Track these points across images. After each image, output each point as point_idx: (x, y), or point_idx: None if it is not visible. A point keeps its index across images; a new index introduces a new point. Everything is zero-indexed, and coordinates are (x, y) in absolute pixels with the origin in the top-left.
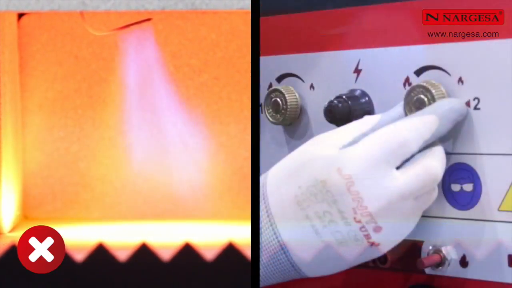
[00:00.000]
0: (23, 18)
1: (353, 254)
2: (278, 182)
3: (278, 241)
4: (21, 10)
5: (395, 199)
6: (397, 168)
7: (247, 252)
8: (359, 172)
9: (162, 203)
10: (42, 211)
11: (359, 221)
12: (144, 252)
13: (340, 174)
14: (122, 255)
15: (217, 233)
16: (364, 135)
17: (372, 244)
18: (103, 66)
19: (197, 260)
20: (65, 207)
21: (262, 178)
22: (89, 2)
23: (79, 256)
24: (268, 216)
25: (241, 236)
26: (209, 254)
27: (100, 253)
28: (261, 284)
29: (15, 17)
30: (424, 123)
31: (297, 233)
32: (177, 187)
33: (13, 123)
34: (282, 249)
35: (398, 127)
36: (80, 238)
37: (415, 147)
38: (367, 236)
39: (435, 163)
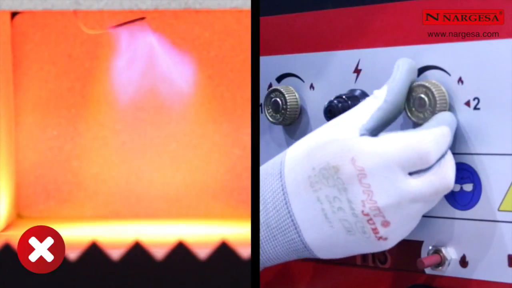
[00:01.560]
0: (17, 17)
1: (361, 244)
2: (295, 162)
3: (292, 220)
4: (14, 9)
5: (406, 201)
6: (411, 173)
7: (240, 250)
8: (373, 168)
9: (156, 201)
10: (36, 210)
11: (366, 214)
12: (137, 251)
13: (353, 164)
14: (116, 254)
15: (210, 231)
16: (379, 109)
17: (380, 238)
18: (96, 65)
19: (190, 258)
20: (59, 206)
21: (280, 157)
22: (82, 1)
23: (72, 255)
24: (283, 194)
25: (234, 235)
26: (202, 253)
27: (94, 251)
28: (276, 262)
29: (8, 16)
30: (443, 135)
31: (309, 214)
32: (170, 186)
33: (6, 122)
34: (295, 228)
35: (421, 136)
36: (74, 236)
37: (434, 160)
38: (375, 230)
39: (449, 172)
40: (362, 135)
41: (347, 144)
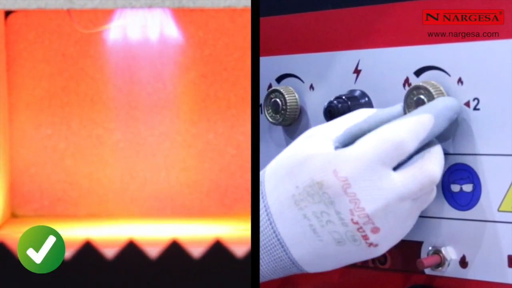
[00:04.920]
0: (10, 16)
1: (351, 253)
2: (276, 180)
3: (278, 239)
4: (8, 8)
5: (393, 200)
6: (395, 169)
7: (235, 249)
8: (355, 174)
9: (150, 200)
10: (30, 209)
11: (356, 223)
12: (131, 250)
13: (336, 176)
14: (110, 253)
15: (204, 230)
16: (356, 126)
17: (371, 244)
18: (90, 63)
19: (184, 257)
20: (53, 205)
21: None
22: (76, 0)
23: (66, 254)
24: (267, 214)
25: (228, 234)
26: (196, 252)
27: (88, 250)
28: (263, 279)
29: (2, 15)
30: (420, 122)
31: (296, 232)
32: (164, 185)
33: (0, 121)
34: (282, 246)
35: (393, 127)
36: (67, 235)
37: (411, 148)
38: (365, 237)
39: (433, 165)
40: (336, 147)
41: (327, 158)
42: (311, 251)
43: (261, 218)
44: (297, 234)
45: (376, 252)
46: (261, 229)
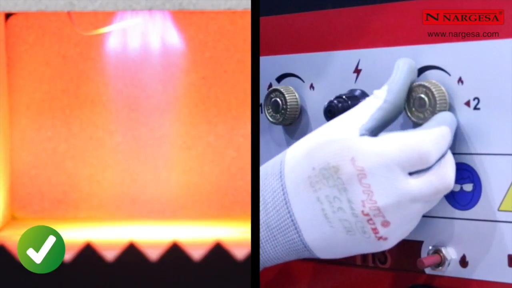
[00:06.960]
0: (11, 18)
1: (361, 243)
2: (295, 161)
3: (292, 220)
4: (8, 10)
5: (406, 200)
6: (411, 173)
7: (235, 251)
8: (373, 168)
9: (150, 203)
10: (30, 211)
11: (366, 214)
12: (131, 252)
13: (353, 164)
14: (110, 255)
15: (205, 233)
16: (379, 109)
17: (380, 238)
18: (90, 66)
19: (184, 260)
20: (53, 207)
21: (280, 157)
22: (76, 2)
23: (67, 256)
24: (283, 194)
25: (228, 236)
26: (197, 254)
27: (88, 252)
28: (276, 262)
29: (2, 17)
30: (442, 135)
31: (309, 215)
32: (164, 187)
33: (1, 123)
34: (296, 228)
35: (420, 136)
36: (68, 238)
37: (434, 160)
38: (375, 230)
39: (449, 172)
40: (362, 135)
41: (347, 144)
42: (322, 236)
43: (277, 198)
44: (310, 217)
45: (385, 245)
46: (276, 209)
